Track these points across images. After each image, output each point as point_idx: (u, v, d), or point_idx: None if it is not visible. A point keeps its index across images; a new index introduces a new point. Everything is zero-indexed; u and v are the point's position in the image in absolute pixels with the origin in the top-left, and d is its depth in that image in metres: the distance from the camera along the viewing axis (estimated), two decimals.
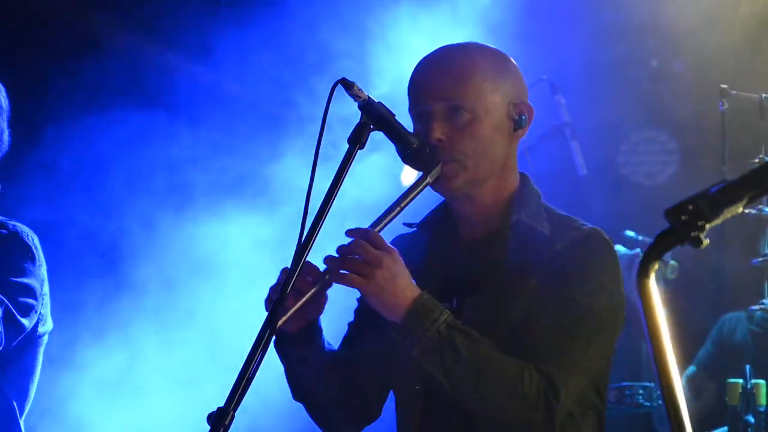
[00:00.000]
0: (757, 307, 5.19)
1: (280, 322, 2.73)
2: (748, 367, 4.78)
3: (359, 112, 2.92)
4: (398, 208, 2.94)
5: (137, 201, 5.92)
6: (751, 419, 4.62)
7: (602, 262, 3.01)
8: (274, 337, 2.81)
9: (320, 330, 3.06)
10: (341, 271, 2.84)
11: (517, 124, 3.06)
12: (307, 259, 2.77)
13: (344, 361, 3.13)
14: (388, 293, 2.83)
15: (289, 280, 2.70)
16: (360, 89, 2.87)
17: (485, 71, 3.06)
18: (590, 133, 5.90)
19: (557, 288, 2.95)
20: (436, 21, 5.69)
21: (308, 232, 2.74)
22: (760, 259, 5.13)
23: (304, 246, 2.72)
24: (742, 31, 5.86)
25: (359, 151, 2.86)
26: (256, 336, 2.66)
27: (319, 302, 2.94)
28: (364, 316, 3.21)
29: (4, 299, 3.82)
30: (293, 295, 2.78)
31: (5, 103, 4.13)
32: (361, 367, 3.16)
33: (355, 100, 2.89)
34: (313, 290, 2.85)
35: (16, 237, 4.01)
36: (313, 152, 2.81)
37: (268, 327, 2.66)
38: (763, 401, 4.70)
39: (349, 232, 2.87)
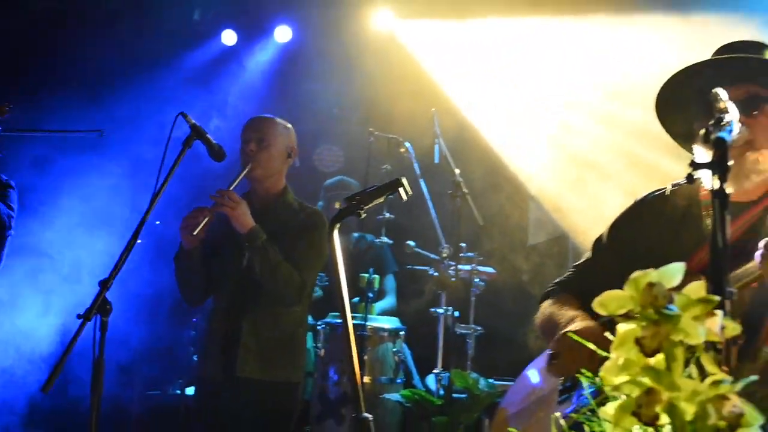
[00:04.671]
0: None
1: (197, 230, 3.12)
2: (371, 269, 4.68)
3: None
4: (235, 183, 3.26)
5: None
6: (371, 295, 4.60)
7: (320, 225, 3.37)
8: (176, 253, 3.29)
9: (198, 249, 3.27)
10: (222, 205, 3.17)
11: (289, 156, 3.45)
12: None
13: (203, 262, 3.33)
14: (243, 217, 3.19)
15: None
16: (190, 118, 2.89)
17: (276, 127, 3.46)
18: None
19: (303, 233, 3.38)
20: None
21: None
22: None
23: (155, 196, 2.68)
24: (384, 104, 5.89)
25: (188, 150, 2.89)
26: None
27: (203, 230, 3.16)
28: (209, 241, 3.34)
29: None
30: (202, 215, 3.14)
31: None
32: (209, 266, 3.37)
33: (187, 123, 2.89)
34: (210, 213, 3.17)
35: None
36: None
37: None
38: (376, 286, 4.65)
39: (218, 191, 3.19)
